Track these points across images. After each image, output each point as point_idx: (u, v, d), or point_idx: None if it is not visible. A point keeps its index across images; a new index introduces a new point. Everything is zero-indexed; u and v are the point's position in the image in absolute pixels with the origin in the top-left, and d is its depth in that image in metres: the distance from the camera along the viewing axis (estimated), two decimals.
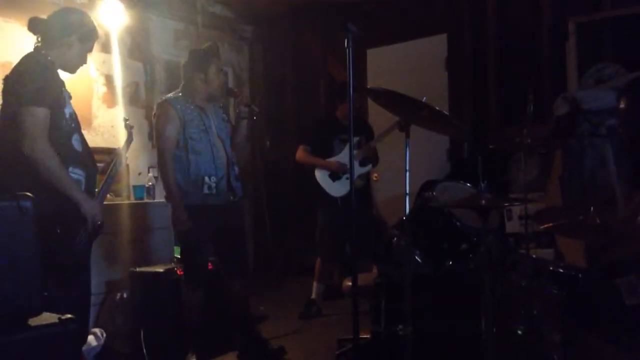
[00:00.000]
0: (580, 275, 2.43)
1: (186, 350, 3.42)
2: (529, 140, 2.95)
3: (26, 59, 2.61)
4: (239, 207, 3.54)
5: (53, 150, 2.50)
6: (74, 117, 2.70)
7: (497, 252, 2.76)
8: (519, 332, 2.23)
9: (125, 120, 3.25)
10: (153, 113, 3.43)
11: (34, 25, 2.67)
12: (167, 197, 3.33)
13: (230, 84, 6.25)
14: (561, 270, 2.53)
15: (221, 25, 6.18)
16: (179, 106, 3.30)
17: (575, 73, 4.62)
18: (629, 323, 2.12)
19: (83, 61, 2.80)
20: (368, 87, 4.81)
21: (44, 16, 2.71)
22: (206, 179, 3.30)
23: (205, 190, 3.30)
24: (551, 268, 2.55)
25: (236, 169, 3.49)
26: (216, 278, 3.62)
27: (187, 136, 3.28)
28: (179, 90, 3.42)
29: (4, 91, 2.59)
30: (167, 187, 3.30)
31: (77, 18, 2.74)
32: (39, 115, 2.47)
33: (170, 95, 3.42)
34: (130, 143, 3.14)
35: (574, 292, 2.39)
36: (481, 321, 2.36)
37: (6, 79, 2.58)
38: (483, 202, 2.31)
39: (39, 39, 2.66)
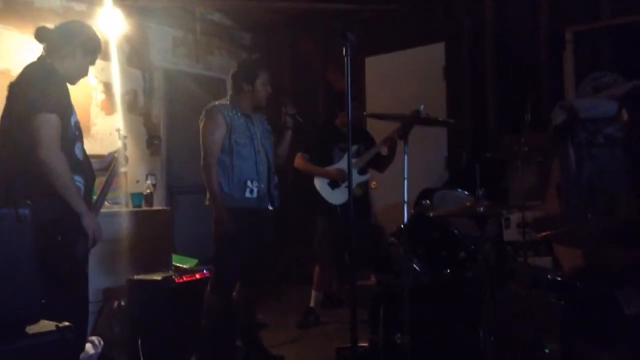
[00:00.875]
0: (579, 284, 2.43)
1: (185, 356, 3.41)
2: (527, 149, 2.97)
3: (33, 67, 2.63)
4: (272, 216, 3.56)
5: (64, 158, 2.52)
6: (78, 125, 2.73)
7: (495, 261, 2.76)
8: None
9: (118, 130, 3.27)
10: (200, 118, 3.46)
11: (40, 34, 2.70)
12: (210, 199, 3.36)
13: (229, 91, 6.26)
14: (559, 279, 2.53)
15: (219, 33, 6.20)
16: (226, 112, 3.38)
17: (573, 81, 4.64)
18: (628, 333, 2.11)
19: (85, 73, 2.83)
20: (366, 113, 4.89)
21: (49, 25, 2.73)
22: (248, 182, 3.36)
23: (247, 194, 3.36)
24: (549, 277, 2.55)
25: (276, 178, 3.55)
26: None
27: (233, 141, 3.36)
28: (227, 99, 3.51)
29: (9, 98, 2.60)
30: (210, 189, 3.34)
31: (84, 31, 2.78)
32: (53, 121, 2.50)
33: (218, 101, 3.50)
34: (124, 152, 3.15)
35: (573, 301, 2.39)
36: (480, 330, 2.36)
37: (12, 86, 2.60)
38: (481, 210, 2.32)
39: (45, 48, 2.68)
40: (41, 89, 2.51)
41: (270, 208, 3.51)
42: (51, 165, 2.47)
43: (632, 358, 2.04)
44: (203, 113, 3.46)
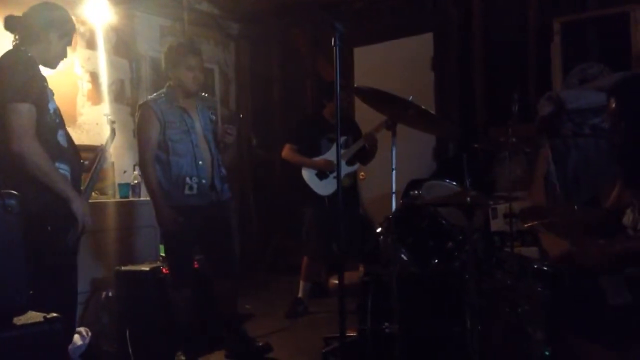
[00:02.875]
0: (565, 274, 2.46)
1: (176, 349, 3.42)
2: (514, 140, 2.98)
3: (5, 56, 2.58)
4: (224, 207, 3.52)
5: (41, 147, 2.48)
6: (58, 112, 2.68)
7: (482, 251, 2.78)
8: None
9: (107, 116, 3.24)
10: (135, 114, 3.42)
11: (10, 24, 2.64)
12: (150, 198, 3.34)
13: (217, 81, 6.24)
14: (546, 269, 2.55)
15: (208, 22, 6.16)
16: (158, 108, 3.31)
17: (560, 73, 4.66)
18: (612, 322, 2.14)
19: (63, 55, 2.77)
20: (356, 85, 4.80)
21: (20, 13, 2.68)
22: (187, 179, 3.30)
23: (187, 191, 3.31)
24: (536, 266, 2.57)
25: (222, 170, 3.48)
26: (203, 277, 3.62)
27: (167, 137, 3.29)
28: (163, 90, 3.42)
29: None
30: (148, 188, 3.33)
31: (54, 13, 2.71)
32: (24, 111, 2.45)
33: (152, 96, 3.42)
34: (113, 139, 3.12)
35: (559, 290, 2.41)
36: (466, 319, 2.38)
37: None
38: (468, 200, 2.33)
39: (16, 37, 2.63)
40: (13, 79, 2.46)
41: (223, 200, 3.45)
42: (26, 156, 2.43)
43: (616, 346, 2.07)
44: (137, 108, 3.42)
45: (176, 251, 3.40)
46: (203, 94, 3.57)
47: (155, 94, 3.43)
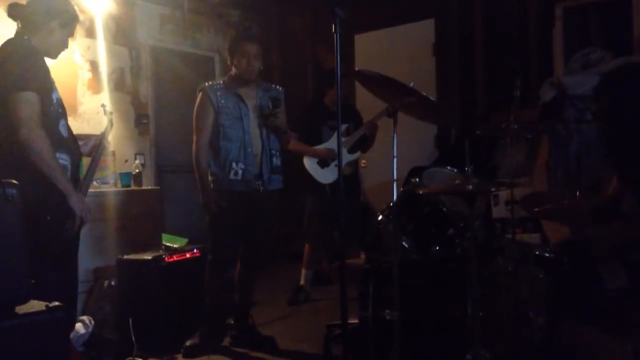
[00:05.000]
0: (565, 260, 2.46)
1: (176, 337, 3.44)
2: (516, 126, 2.97)
3: (8, 45, 2.57)
4: (269, 198, 3.47)
5: (46, 137, 2.48)
6: (60, 102, 2.68)
7: (484, 237, 2.79)
8: None
9: (103, 106, 3.22)
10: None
11: (13, 11, 2.63)
12: (198, 180, 3.38)
13: (217, 69, 6.21)
14: (547, 255, 2.55)
15: (208, 10, 6.12)
16: (214, 93, 3.36)
17: (562, 58, 4.64)
18: (610, 306, 2.15)
19: (65, 46, 2.76)
20: (358, 69, 4.77)
21: (24, 1, 2.67)
22: (233, 164, 3.33)
23: (232, 176, 3.33)
24: (537, 252, 2.58)
25: (275, 160, 3.46)
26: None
27: (219, 122, 3.34)
28: (223, 77, 3.50)
29: None
30: (197, 171, 3.37)
31: (56, 2, 2.69)
32: (33, 100, 2.46)
33: (210, 82, 3.48)
34: (111, 129, 3.11)
35: (560, 276, 2.42)
36: (468, 305, 2.38)
37: None
38: (470, 187, 2.33)
39: (19, 25, 2.62)
40: (18, 67, 2.46)
41: (270, 190, 3.44)
42: (33, 145, 2.43)
43: (615, 331, 2.08)
44: (197, 93, 3.46)
45: (218, 234, 3.40)
46: (273, 85, 3.62)
47: (214, 80, 3.50)
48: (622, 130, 2.27)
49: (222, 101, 3.36)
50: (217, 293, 3.47)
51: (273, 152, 3.46)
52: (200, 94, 3.41)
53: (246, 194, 3.37)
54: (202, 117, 3.38)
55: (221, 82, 3.46)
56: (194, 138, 3.41)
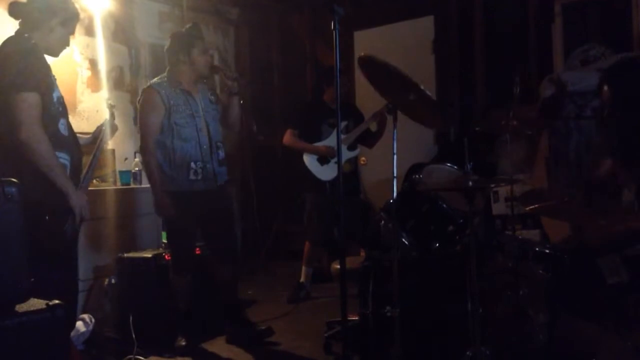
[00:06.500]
0: (565, 256, 2.46)
1: (175, 334, 3.44)
2: (515, 122, 2.97)
3: (9, 43, 2.56)
4: (224, 191, 3.53)
5: (46, 136, 2.48)
6: (61, 101, 2.68)
7: (483, 234, 2.79)
8: None
9: (107, 100, 3.20)
10: (138, 99, 3.41)
11: (14, 10, 2.63)
12: (149, 183, 3.34)
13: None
14: (547, 251, 2.55)
15: (207, 7, 6.11)
16: (164, 92, 3.29)
17: (562, 54, 4.63)
18: (611, 301, 2.15)
19: (66, 44, 2.76)
20: (362, 55, 4.75)
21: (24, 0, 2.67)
22: (192, 164, 3.30)
23: (192, 176, 3.30)
24: (537, 249, 2.58)
25: (220, 153, 3.46)
26: (205, 263, 3.63)
27: (173, 122, 3.28)
28: (165, 74, 3.40)
29: None
30: (148, 174, 3.31)
31: (59, 2, 2.69)
32: (32, 100, 2.45)
33: (155, 80, 3.40)
34: (113, 121, 3.08)
35: (560, 272, 2.42)
36: (468, 302, 2.39)
37: None
38: (469, 184, 2.33)
39: (20, 23, 2.62)
40: (19, 66, 2.45)
41: (220, 184, 3.45)
42: (33, 146, 2.43)
43: (615, 325, 2.09)
44: (140, 93, 3.40)
45: (177, 237, 3.41)
46: (217, 65, 3.59)
47: (157, 78, 3.41)
48: (626, 124, 2.27)
49: (173, 99, 3.30)
50: (186, 294, 3.45)
51: (218, 144, 3.45)
52: (148, 92, 3.32)
53: (205, 193, 3.35)
54: (151, 115, 3.28)
55: (165, 79, 3.36)
56: (141, 137, 3.32)
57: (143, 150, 3.33)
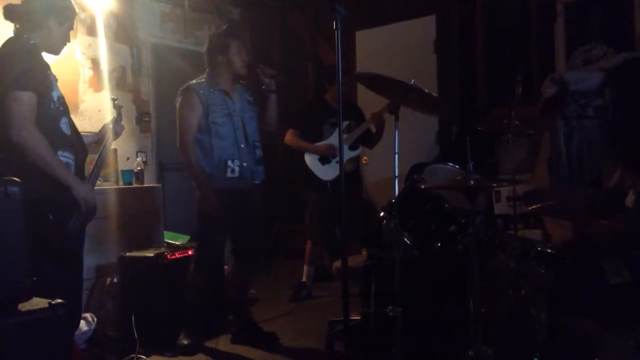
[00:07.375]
0: (567, 256, 2.46)
1: (178, 333, 3.45)
2: (517, 122, 2.97)
3: (7, 44, 2.56)
4: (257, 191, 3.53)
5: (41, 135, 2.47)
6: (62, 100, 2.67)
7: (485, 234, 2.79)
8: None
9: (114, 100, 3.19)
10: (176, 99, 3.43)
11: (9, 13, 2.62)
12: (193, 180, 3.37)
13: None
14: (549, 251, 2.55)
15: (208, 7, 6.11)
16: (202, 92, 3.34)
17: (564, 54, 4.63)
18: (613, 302, 2.15)
19: (66, 40, 2.76)
20: (357, 72, 4.77)
21: (19, 1, 2.66)
22: (229, 162, 3.34)
23: (229, 174, 3.34)
24: (539, 249, 2.57)
25: (258, 152, 3.49)
26: (222, 261, 3.64)
27: (211, 121, 3.32)
28: (203, 76, 3.45)
29: None
30: (191, 170, 3.35)
31: (53, 0, 2.68)
32: (24, 99, 2.44)
33: (193, 81, 3.44)
34: (118, 117, 3.07)
35: (562, 272, 2.42)
36: (469, 301, 2.39)
37: None
38: (471, 183, 2.32)
39: (17, 25, 2.62)
40: (15, 67, 2.44)
41: (256, 183, 3.49)
42: (26, 145, 2.42)
43: (617, 325, 2.09)
44: (178, 93, 3.42)
45: (211, 233, 3.41)
46: (254, 64, 3.59)
47: (195, 80, 3.44)
48: (628, 124, 2.27)
49: (211, 99, 3.34)
50: (203, 290, 3.46)
51: (256, 143, 3.48)
52: (186, 92, 3.37)
53: (241, 191, 3.38)
54: (189, 115, 3.33)
55: (203, 80, 3.41)
56: (180, 136, 3.36)
57: (183, 148, 3.35)
